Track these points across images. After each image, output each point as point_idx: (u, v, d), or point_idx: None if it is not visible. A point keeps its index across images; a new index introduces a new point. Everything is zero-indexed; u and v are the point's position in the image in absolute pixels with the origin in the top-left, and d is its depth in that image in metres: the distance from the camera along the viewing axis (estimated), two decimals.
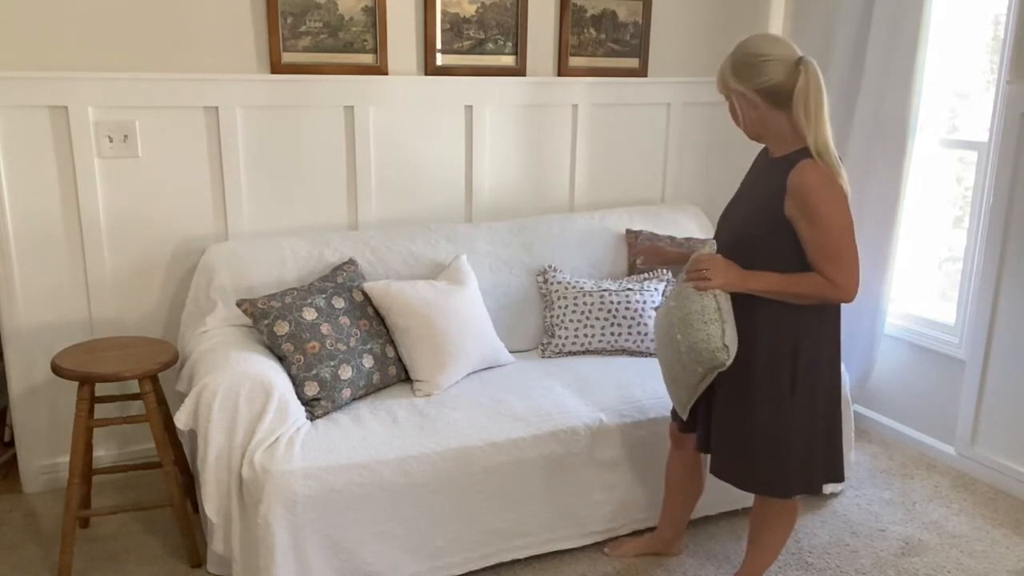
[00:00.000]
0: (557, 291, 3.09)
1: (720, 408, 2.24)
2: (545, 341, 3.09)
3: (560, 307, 3.07)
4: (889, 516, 2.91)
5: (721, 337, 2.07)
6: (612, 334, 3.01)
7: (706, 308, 2.08)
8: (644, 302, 3.03)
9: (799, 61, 2.03)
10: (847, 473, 3.05)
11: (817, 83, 2.01)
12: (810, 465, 2.22)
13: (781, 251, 2.10)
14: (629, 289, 3.05)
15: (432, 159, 3.31)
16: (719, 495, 2.72)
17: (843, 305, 3.55)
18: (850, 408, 2.99)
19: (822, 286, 2.06)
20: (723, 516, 2.86)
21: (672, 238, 3.29)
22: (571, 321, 3.04)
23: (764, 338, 2.14)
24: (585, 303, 3.04)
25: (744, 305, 2.13)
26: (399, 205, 3.29)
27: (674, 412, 2.45)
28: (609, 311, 3.01)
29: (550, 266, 3.19)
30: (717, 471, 2.29)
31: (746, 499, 2.81)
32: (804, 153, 2.05)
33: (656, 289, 3.09)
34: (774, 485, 2.22)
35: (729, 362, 2.10)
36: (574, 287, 3.08)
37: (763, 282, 2.10)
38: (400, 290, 2.75)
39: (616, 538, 2.69)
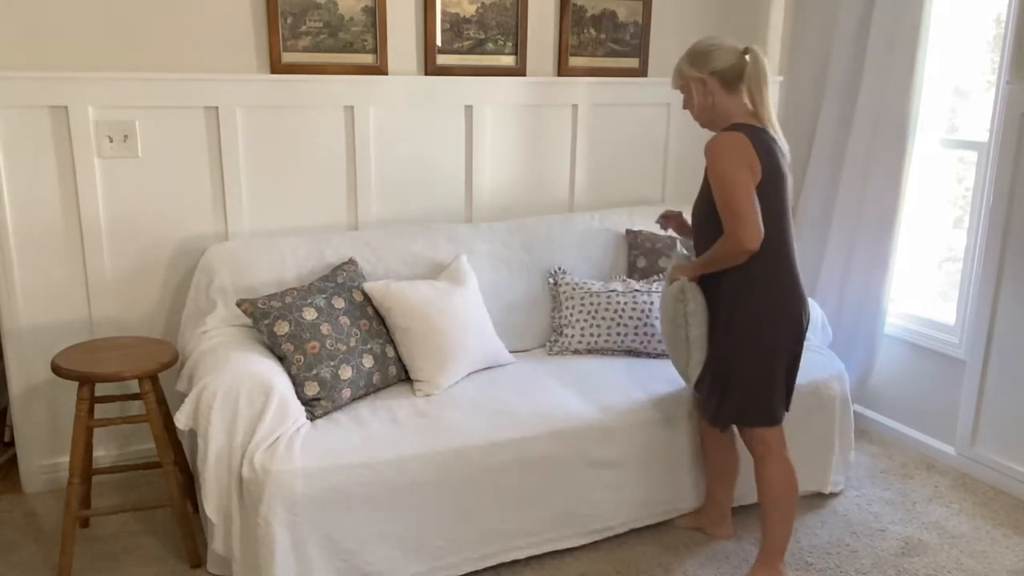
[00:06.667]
0: (566, 292, 3.11)
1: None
2: (552, 339, 3.11)
3: (568, 307, 3.08)
4: (889, 516, 2.91)
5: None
6: (618, 334, 3.01)
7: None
8: (651, 303, 3.03)
9: (745, 49, 2.31)
10: (847, 473, 3.06)
11: (763, 66, 2.29)
12: (750, 404, 2.38)
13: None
14: (636, 290, 3.06)
15: (432, 159, 3.31)
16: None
17: (843, 304, 3.57)
18: (850, 408, 2.98)
19: (723, 241, 2.25)
20: None
21: (672, 238, 3.29)
22: (578, 321, 3.05)
23: (716, 302, 2.37)
24: (592, 303, 3.05)
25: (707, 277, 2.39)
26: (399, 205, 3.29)
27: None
28: (616, 311, 3.02)
29: (559, 268, 3.21)
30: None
31: (744, 498, 2.82)
32: (731, 127, 2.29)
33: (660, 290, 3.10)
34: (723, 415, 2.42)
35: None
36: (582, 288, 3.10)
37: (695, 264, 2.38)
38: (400, 290, 2.75)
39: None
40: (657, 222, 2.70)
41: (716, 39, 2.35)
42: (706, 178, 2.32)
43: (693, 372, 2.43)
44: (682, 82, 2.38)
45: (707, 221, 2.34)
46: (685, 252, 2.54)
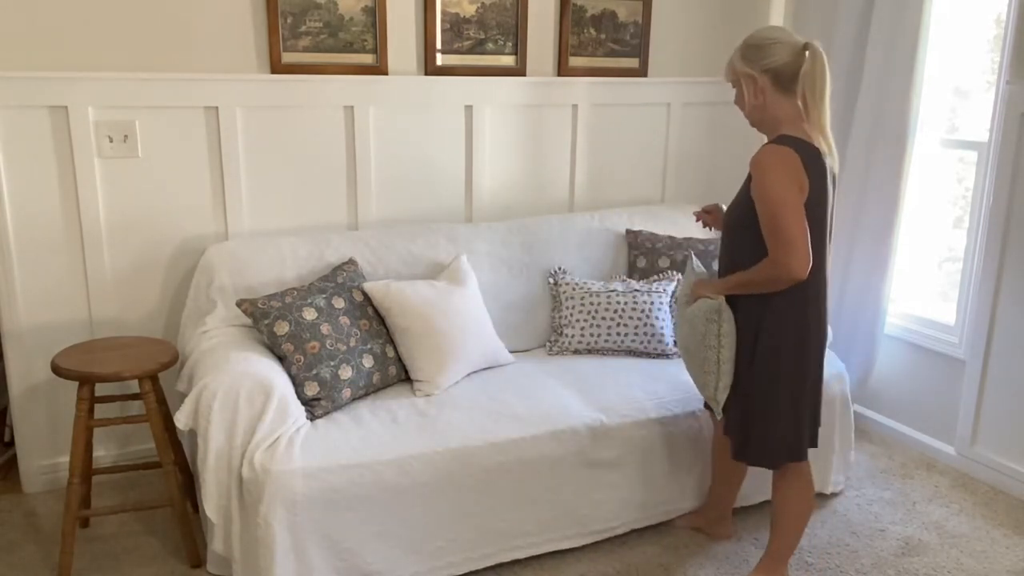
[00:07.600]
0: (566, 292, 3.11)
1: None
2: (552, 339, 3.11)
3: (568, 307, 3.08)
4: (889, 516, 2.91)
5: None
6: (618, 334, 3.02)
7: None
8: (651, 303, 3.03)
9: (805, 45, 2.11)
10: (847, 473, 3.06)
11: (823, 66, 2.09)
12: (776, 440, 2.29)
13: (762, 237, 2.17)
14: (636, 290, 3.06)
15: (432, 159, 3.31)
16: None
17: (843, 304, 3.56)
18: (850, 408, 2.98)
19: (767, 266, 2.11)
20: None
21: (672, 238, 3.29)
22: (578, 320, 3.05)
23: (740, 324, 2.26)
24: (592, 303, 3.05)
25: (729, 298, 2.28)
26: (399, 205, 3.29)
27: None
28: (616, 311, 3.02)
29: (559, 268, 3.21)
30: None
31: (744, 498, 2.82)
32: (781, 140, 2.12)
33: (664, 290, 3.09)
34: (750, 454, 2.33)
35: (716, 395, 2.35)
36: (582, 287, 3.10)
37: (727, 282, 2.24)
38: (400, 290, 2.75)
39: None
40: (698, 220, 2.54)
41: (775, 31, 2.14)
42: (746, 185, 2.19)
43: (722, 396, 2.31)
44: (733, 76, 2.19)
45: (744, 231, 2.20)
46: (701, 268, 2.45)
